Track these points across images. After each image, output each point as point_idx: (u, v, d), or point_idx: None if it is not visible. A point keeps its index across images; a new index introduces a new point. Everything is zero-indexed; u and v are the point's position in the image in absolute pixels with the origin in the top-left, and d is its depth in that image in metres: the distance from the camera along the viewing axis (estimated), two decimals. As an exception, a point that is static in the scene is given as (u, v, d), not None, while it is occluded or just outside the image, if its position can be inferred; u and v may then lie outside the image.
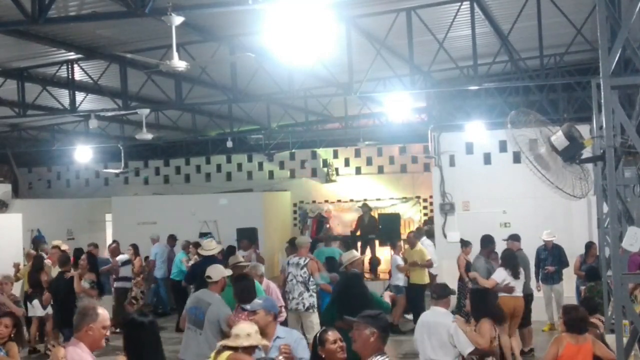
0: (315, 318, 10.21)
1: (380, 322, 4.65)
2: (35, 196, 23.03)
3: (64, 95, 14.22)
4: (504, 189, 14.89)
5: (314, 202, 21.22)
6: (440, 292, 7.34)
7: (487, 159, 15.48)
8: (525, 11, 11.27)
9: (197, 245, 14.98)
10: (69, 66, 12.96)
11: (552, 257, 13.04)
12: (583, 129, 8.44)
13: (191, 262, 14.63)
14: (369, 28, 11.98)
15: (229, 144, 20.95)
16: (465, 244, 12.88)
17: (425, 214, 20.21)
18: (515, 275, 10.53)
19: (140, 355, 4.82)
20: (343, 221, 20.53)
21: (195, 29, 10.66)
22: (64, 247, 13.50)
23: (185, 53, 11.19)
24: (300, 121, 20.24)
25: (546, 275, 13.11)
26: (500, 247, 11.73)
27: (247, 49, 11.68)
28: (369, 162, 21.58)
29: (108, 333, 4.93)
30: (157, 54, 11.03)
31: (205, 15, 10.05)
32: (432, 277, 14.14)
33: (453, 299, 9.44)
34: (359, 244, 17.52)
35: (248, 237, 16.08)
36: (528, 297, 11.35)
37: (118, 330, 14.14)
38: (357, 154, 21.68)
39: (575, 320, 6.47)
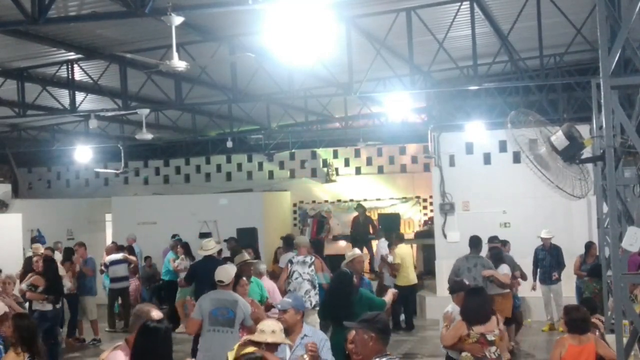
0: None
1: (378, 324, 4.63)
2: (35, 196, 23.02)
3: (64, 95, 14.22)
4: (504, 189, 14.91)
5: (314, 202, 21.22)
6: (452, 288, 7.80)
7: (487, 159, 15.49)
8: (525, 11, 11.27)
9: (185, 245, 15.03)
10: (69, 66, 12.96)
11: (550, 257, 13.05)
12: (583, 129, 8.44)
13: (177, 262, 14.76)
14: (369, 28, 11.98)
15: (229, 144, 20.94)
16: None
17: (425, 214, 20.20)
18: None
19: None
20: (343, 221, 20.52)
21: (195, 29, 10.66)
22: (41, 251, 13.46)
23: (185, 53, 11.19)
24: (300, 121, 20.23)
25: (544, 275, 13.11)
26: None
27: (247, 49, 11.68)
28: (369, 162, 21.58)
29: None
30: (157, 54, 11.03)
31: (205, 15, 10.05)
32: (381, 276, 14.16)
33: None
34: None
35: (247, 237, 16.13)
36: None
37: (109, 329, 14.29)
38: (357, 154, 21.68)
39: (577, 320, 6.47)
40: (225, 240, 15.12)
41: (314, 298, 10.29)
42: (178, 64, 8.66)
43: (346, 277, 7.89)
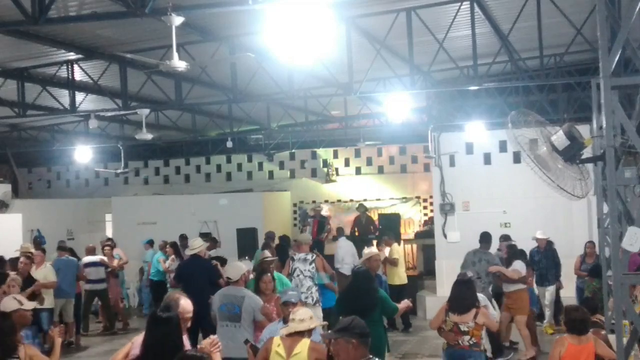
0: (319, 312, 10.45)
1: (355, 328, 4.59)
2: (35, 196, 23.04)
3: (64, 95, 14.22)
4: (504, 189, 14.90)
5: (314, 202, 21.21)
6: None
7: (487, 159, 15.48)
8: (525, 11, 11.27)
9: (173, 245, 15.02)
10: (69, 66, 12.96)
11: (545, 260, 13.00)
12: (583, 129, 8.44)
13: (167, 263, 14.78)
14: (369, 28, 11.98)
15: (229, 144, 20.95)
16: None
17: (425, 214, 20.20)
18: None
19: (161, 353, 4.66)
20: (343, 221, 20.52)
21: (195, 29, 10.66)
22: (31, 250, 13.39)
23: (185, 53, 11.19)
24: (300, 121, 20.23)
25: (540, 277, 13.09)
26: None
27: (247, 49, 11.68)
28: (369, 162, 21.58)
29: (189, 323, 5.11)
30: (157, 54, 11.03)
31: (205, 15, 10.05)
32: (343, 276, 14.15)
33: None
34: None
35: (247, 237, 16.20)
36: (499, 295, 11.63)
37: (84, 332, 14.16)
38: (357, 154, 21.68)
39: (576, 320, 6.47)
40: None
41: (315, 294, 10.55)
42: (178, 64, 8.65)
43: (368, 275, 7.98)
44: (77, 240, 18.10)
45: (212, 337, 5.02)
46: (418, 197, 20.54)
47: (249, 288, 8.22)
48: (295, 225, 21.17)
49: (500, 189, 14.98)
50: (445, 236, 15.33)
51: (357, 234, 18.28)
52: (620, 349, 5.92)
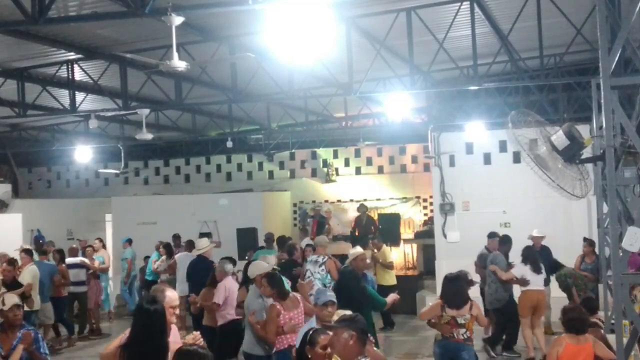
0: None
1: (358, 324, 4.69)
2: (35, 196, 23.04)
3: (64, 95, 14.22)
4: (504, 189, 14.90)
5: (313, 202, 21.20)
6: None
7: (487, 159, 15.47)
8: (525, 11, 11.27)
9: (166, 246, 15.03)
10: (69, 66, 12.96)
11: (540, 259, 12.97)
12: (583, 129, 8.44)
13: (157, 263, 14.83)
14: (369, 28, 11.98)
15: (229, 144, 20.94)
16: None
17: (425, 214, 20.19)
18: (537, 270, 11.13)
19: (145, 343, 4.85)
20: (343, 221, 20.52)
21: (195, 29, 10.66)
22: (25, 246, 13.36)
23: (185, 53, 11.19)
24: (300, 121, 20.23)
25: None
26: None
27: (247, 49, 11.68)
28: (369, 162, 21.57)
29: (177, 312, 5.22)
30: (157, 54, 11.03)
31: (205, 15, 10.05)
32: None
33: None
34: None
35: (247, 237, 16.19)
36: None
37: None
38: (357, 154, 21.67)
39: (574, 320, 6.46)
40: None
41: None
42: (178, 64, 8.66)
43: (354, 274, 8.23)
44: (77, 240, 18.09)
45: (194, 333, 5.05)
46: (418, 197, 20.53)
47: None
48: (295, 225, 21.16)
49: (500, 189, 14.97)
50: (445, 236, 15.33)
51: (357, 234, 18.27)
52: (620, 349, 5.91)
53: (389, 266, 14.52)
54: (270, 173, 22.63)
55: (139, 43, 11.58)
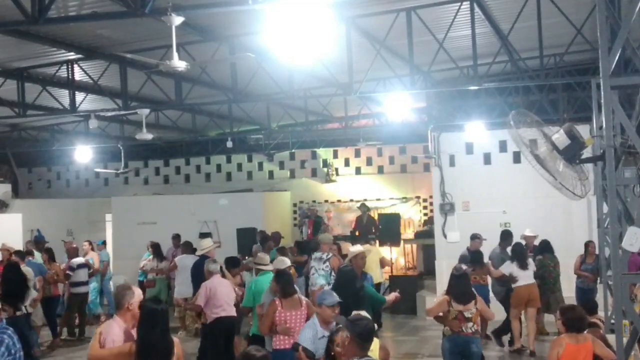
0: None
1: (356, 327, 4.78)
2: (35, 196, 23.04)
3: (64, 95, 14.23)
4: (504, 189, 14.89)
5: (314, 202, 21.21)
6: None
7: (487, 159, 15.47)
8: (525, 11, 11.27)
9: (153, 246, 15.05)
10: (69, 66, 12.96)
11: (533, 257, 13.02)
12: (583, 129, 8.45)
13: (143, 262, 14.90)
14: (369, 28, 11.99)
15: (229, 144, 20.94)
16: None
17: (425, 214, 20.20)
18: (524, 267, 11.47)
19: (149, 338, 5.21)
20: (343, 221, 20.52)
21: (195, 29, 10.66)
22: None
23: (185, 53, 11.20)
24: (300, 121, 20.23)
25: None
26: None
27: (247, 49, 11.68)
28: (369, 162, 21.57)
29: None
30: (157, 54, 11.03)
31: (205, 15, 10.05)
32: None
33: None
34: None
35: (247, 237, 16.19)
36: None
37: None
38: (357, 154, 21.67)
39: (572, 319, 6.44)
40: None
41: None
42: (178, 64, 8.66)
43: (353, 273, 8.27)
44: (77, 241, 18.05)
45: None
46: (418, 197, 20.53)
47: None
48: (295, 225, 21.17)
49: (500, 189, 14.97)
50: (445, 236, 15.32)
51: (357, 234, 18.27)
52: (620, 349, 5.92)
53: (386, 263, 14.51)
54: (270, 173, 22.63)
55: (139, 43, 11.58)
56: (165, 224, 17.68)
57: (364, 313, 6.27)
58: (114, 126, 19.73)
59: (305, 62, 9.91)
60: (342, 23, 11.20)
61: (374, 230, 17.65)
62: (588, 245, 12.65)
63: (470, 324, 8.08)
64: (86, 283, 14.08)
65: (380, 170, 21.45)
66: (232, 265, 10.77)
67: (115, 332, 5.47)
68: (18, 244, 15.16)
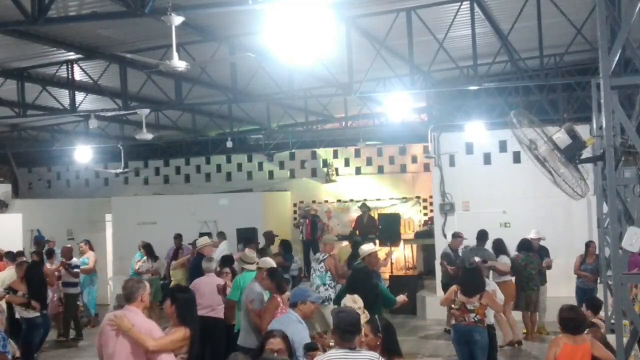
0: (327, 311, 10.49)
1: (339, 321, 5.26)
2: (35, 196, 23.03)
3: (64, 95, 14.23)
4: (504, 189, 14.89)
5: (314, 202, 21.19)
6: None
7: (487, 159, 15.46)
8: (525, 11, 11.27)
9: (145, 246, 15.04)
10: (69, 66, 12.96)
11: (537, 260, 12.99)
12: (583, 129, 8.46)
13: (138, 264, 14.88)
14: (369, 28, 11.99)
15: (229, 144, 20.94)
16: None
17: (425, 214, 20.19)
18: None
19: (193, 322, 5.91)
20: (343, 221, 20.52)
21: (195, 29, 10.66)
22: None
23: (185, 53, 11.20)
24: (300, 121, 20.24)
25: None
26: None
27: (247, 49, 11.68)
28: (369, 162, 21.57)
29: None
30: (157, 54, 11.03)
31: (205, 15, 10.05)
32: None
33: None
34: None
35: (247, 237, 16.19)
36: None
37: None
38: (357, 154, 21.67)
39: (570, 319, 6.43)
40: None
41: (324, 293, 10.73)
42: (178, 64, 8.66)
43: (367, 271, 8.59)
44: (77, 241, 18.06)
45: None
46: (418, 197, 20.52)
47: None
48: (295, 225, 21.16)
49: (500, 189, 14.96)
50: (445, 236, 15.30)
51: (357, 233, 18.27)
52: (620, 349, 5.92)
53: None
54: (270, 173, 22.62)
55: (139, 43, 11.58)
56: (165, 224, 17.68)
57: (353, 299, 6.48)
58: (114, 126, 19.73)
59: (305, 62, 9.91)
60: (342, 23, 11.20)
61: (373, 230, 17.66)
62: (589, 245, 12.62)
63: (472, 315, 8.42)
64: (76, 284, 13.93)
65: (380, 170, 21.44)
66: (226, 264, 10.86)
67: (145, 320, 5.82)
68: (18, 244, 15.16)
